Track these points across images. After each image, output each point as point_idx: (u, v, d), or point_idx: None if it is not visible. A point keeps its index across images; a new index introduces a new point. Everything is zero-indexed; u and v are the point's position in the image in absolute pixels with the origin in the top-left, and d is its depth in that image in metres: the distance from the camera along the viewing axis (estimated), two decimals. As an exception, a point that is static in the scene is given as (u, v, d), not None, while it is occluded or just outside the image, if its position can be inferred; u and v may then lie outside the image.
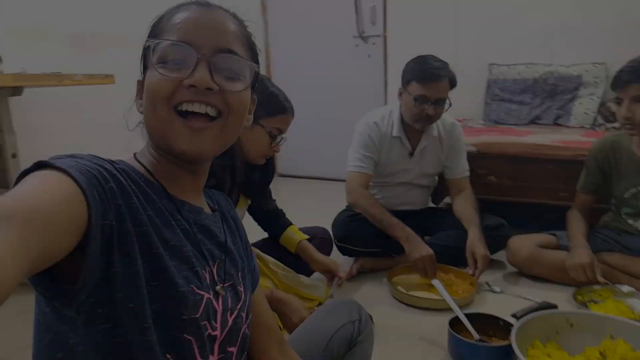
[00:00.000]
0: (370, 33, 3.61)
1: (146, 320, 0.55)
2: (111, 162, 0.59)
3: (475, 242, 1.90)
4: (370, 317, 1.60)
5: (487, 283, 1.90)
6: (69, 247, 0.47)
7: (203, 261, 0.66)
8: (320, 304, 1.75)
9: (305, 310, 1.42)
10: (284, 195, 3.74)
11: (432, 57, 1.98)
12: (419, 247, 1.85)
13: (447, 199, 2.83)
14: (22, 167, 2.01)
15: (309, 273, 1.81)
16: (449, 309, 1.58)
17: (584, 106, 2.82)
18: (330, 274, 1.70)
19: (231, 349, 0.69)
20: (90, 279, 0.50)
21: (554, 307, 1.55)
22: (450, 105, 1.98)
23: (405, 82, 1.99)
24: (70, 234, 0.46)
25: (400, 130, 2.07)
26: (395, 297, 1.82)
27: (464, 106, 3.25)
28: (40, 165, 0.50)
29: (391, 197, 2.19)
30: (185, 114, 0.63)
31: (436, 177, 2.28)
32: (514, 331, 1.28)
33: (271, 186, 1.70)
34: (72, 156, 0.54)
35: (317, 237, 1.90)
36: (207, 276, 0.65)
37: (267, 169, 1.60)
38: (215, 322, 0.65)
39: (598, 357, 1.31)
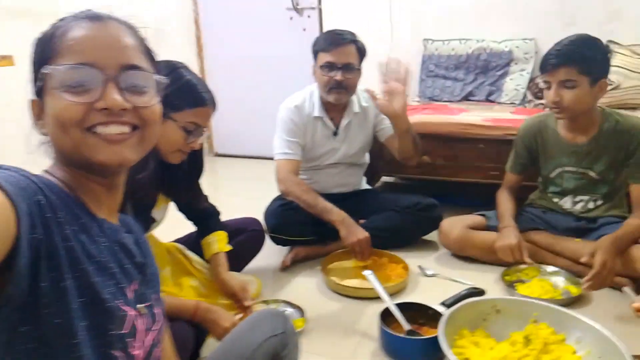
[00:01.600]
0: (305, 5, 3.47)
1: (75, 336, 0.55)
2: (36, 176, 0.58)
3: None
4: (302, 310, 1.58)
5: (419, 266, 1.91)
6: None
7: (126, 278, 0.66)
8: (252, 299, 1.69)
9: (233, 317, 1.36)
10: (221, 175, 3.63)
11: (338, 29, 1.97)
12: (354, 231, 1.82)
13: (383, 179, 2.84)
14: None
15: (239, 269, 1.74)
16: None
17: (515, 82, 2.87)
18: (235, 300, 1.52)
19: None
20: (16, 295, 0.49)
21: (482, 292, 1.57)
22: (360, 71, 1.95)
23: (315, 55, 1.97)
24: None
25: (322, 110, 2.02)
26: (329, 287, 1.79)
27: (400, 82, 3.24)
28: None
29: (323, 181, 2.14)
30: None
31: (367, 155, 2.25)
32: (441, 324, 1.28)
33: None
34: (0, 168, 0.54)
35: (249, 229, 1.82)
36: (130, 294, 0.66)
37: (194, 166, 1.48)
38: (137, 341, 0.66)
39: (522, 342, 1.34)
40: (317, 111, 2.01)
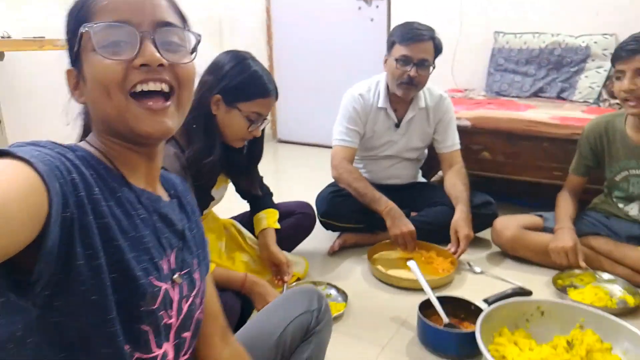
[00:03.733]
0: (374, -5, 3.47)
1: (110, 311, 0.56)
2: (72, 149, 0.58)
3: (459, 220, 1.88)
4: (345, 294, 1.63)
5: (468, 263, 1.89)
6: (27, 240, 0.46)
7: (162, 251, 0.66)
8: (299, 279, 1.76)
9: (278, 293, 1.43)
10: (281, 161, 3.74)
11: (417, 22, 1.93)
12: (399, 223, 1.84)
13: (440, 174, 2.80)
14: (7, 134, 2.01)
15: (288, 249, 1.81)
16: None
17: (590, 79, 2.71)
18: (278, 270, 1.61)
19: (185, 334, 0.70)
20: (46, 272, 0.49)
21: (529, 293, 1.54)
22: (434, 68, 1.93)
23: (390, 46, 1.95)
24: (28, 226, 0.45)
25: (386, 101, 2.02)
26: (374, 275, 1.82)
27: (466, 75, 3.18)
28: (0, 154, 0.48)
29: (378, 171, 2.16)
30: (140, 96, 0.62)
31: (425, 151, 2.24)
32: (480, 319, 1.28)
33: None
34: (33, 144, 0.54)
35: (299, 212, 1.89)
36: (165, 266, 0.66)
37: (254, 151, 1.56)
38: (172, 310, 0.66)
39: (565, 347, 1.31)
40: (382, 102, 2.02)
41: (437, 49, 1.93)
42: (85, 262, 0.53)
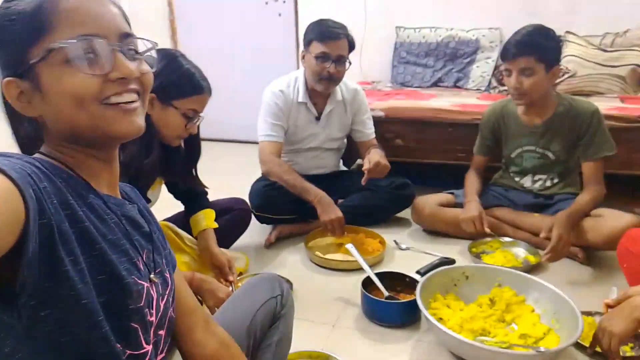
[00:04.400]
0: (280, -9, 3.53)
1: (98, 313, 0.57)
2: (36, 159, 0.58)
3: (373, 153, 2.04)
4: (290, 282, 1.71)
5: (395, 241, 2.06)
6: (6, 246, 0.46)
7: (136, 252, 0.68)
8: (241, 274, 1.80)
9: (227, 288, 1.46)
10: (204, 158, 3.65)
11: (331, 20, 2.06)
12: (329, 210, 1.94)
13: (358, 161, 2.97)
14: None
15: (227, 246, 1.84)
16: (363, 269, 1.71)
17: (481, 69, 3.04)
18: (221, 272, 1.61)
19: (161, 332, 0.72)
20: (30, 280, 0.49)
21: (452, 262, 1.74)
22: (350, 64, 2.07)
23: (307, 43, 2.05)
24: (6, 233, 0.45)
25: (306, 96, 2.12)
26: (313, 262, 1.92)
27: (373, 68, 3.37)
28: None
29: (303, 163, 2.25)
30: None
31: (345, 140, 2.38)
32: (418, 288, 1.43)
33: None
34: (2, 155, 0.53)
35: (235, 208, 1.92)
36: (142, 267, 0.68)
37: (192, 149, 1.55)
38: (152, 308, 0.68)
39: (488, 303, 1.51)
40: (301, 96, 2.12)
41: (351, 46, 2.07)
42: (71, 267, 0.54)
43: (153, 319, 0.69)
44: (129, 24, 0.69)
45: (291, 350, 1.14)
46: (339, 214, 1.95)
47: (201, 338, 0.83)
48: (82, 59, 0.60)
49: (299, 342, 1.28)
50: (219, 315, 1.06)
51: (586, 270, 1.83)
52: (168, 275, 0.76)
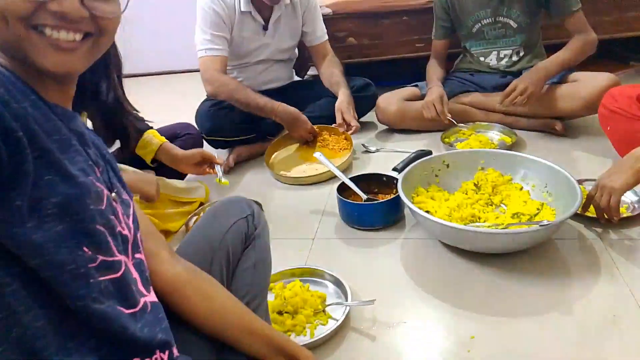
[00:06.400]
0: None
1: (45, 211, 0.49)
2: None
3: (343, 102, 1.88)
4: (260, 204, 1.55)
5: (363, 144, 1.92)
6: None
7: (91, 160, 0.58)
8: (202, 204, 1.63)
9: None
10: (132, 97, 3.33)
11: None
12: (296, 125, 1.82)
13: (311, 71, 2.75)
14: None
15: (180, 177, 1.64)
16: (334, 178, 1.57)
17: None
18: (206, 164, 1.55)
19: (138, 255, 0.65)
20: None
21: (429, 153, 1.61)
22: None
23: None
24: None
25: (248, 4, 1.85)
26: (279, 181, 1.76)
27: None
28: None
29: (253, 78, 2.02)
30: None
31: (295, 50, 2.15)
32: (399, 183, 1.31)
33: None
34: None
35: (182, 134, 1.71)
36: (99, 175, 0.59)
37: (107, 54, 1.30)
38: (121, 222, 0.61)
39: (473, 189, 1.42)
40: (244, 5, 1.83)
41: None
42: (13, 167, 0.46)
43: (127, 233, 0.61)
44: None
45: (273, 272, 1.01)
46: (308, 124, 1.82)
47: (169, 260, 0.76)
48: None
49: (280, 261, 1.16)
50: (183, 245, 0.93)
51: (565, 141, 1.76)
52: (128, 198, 0.67)
